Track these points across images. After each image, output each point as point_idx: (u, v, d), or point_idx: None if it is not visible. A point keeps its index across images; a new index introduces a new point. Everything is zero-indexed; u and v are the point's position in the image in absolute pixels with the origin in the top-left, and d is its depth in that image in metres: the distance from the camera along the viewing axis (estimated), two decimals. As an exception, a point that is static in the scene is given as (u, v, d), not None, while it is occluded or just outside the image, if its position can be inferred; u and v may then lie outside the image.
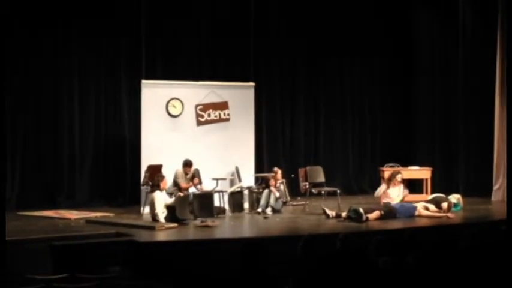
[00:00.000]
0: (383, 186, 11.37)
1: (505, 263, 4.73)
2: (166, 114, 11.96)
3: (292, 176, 12.76)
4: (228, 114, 12.30)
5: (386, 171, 12.48)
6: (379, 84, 14.96)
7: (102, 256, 7.95)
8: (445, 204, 10.96)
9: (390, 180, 11.26)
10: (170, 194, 10.68)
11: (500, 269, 4.71)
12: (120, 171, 12.70)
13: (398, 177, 11.25)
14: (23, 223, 10.07)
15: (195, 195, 10.89)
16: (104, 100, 12.83)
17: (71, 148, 12.50)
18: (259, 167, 12.89)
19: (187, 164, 11.28)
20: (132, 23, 12.73)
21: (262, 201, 11.38)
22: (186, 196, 10.64)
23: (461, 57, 13.76)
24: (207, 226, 9.92)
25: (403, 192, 11.21)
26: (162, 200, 10.29)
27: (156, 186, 10.42)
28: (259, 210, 11.30)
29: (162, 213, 10.15)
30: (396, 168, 12.31)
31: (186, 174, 11.32)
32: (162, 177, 10.61)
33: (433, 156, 14.19)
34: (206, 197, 10.99)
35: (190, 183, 11.30)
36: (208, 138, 12.13)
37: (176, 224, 9.93)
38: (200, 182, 11.48)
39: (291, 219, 10.99)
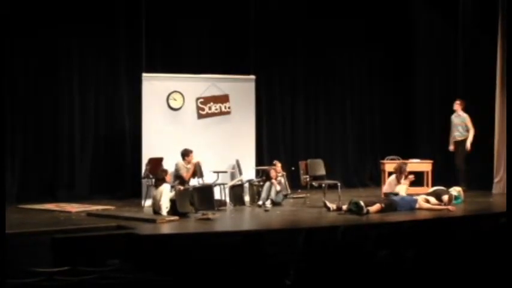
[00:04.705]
0: (393, 178, 11.46)
1: (504, 255, 4.73)
2: (166, 107, 11.96)
3: (293, 168, 12.76)
4: (229, 107, 12.30)
5: (388, 164, 12.49)
6: (379, 77, 14.96)
7: (103, 249, 7.96)
8: (445, 197, 10.97)
9: (401, 173, 11.34)
10: (172, 188, 10.70)
11: (500, 261, 4.72)
12: (120, 164, 12.71)
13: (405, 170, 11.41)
14: (23, 216, 10.08)
15: (195, 188, 10.89)
16: (104, 93, 12.83)
17: (71, 141, 12.51)
18: (259, 160, 12.90)
19: (186, 153, 11.27)
20: (132, 16, 12.70)
21: (263, 194, 11.38)
22: (186, 190, 10.64)
23: (461, 51, 13.79)
24: (208, 219, 9.93)
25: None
26: (169, 193, 10.29)
27: (162, 180, 10.40)
28: (260, 203, 11.31)
29: (165, 207, 10.15)
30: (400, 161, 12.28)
31: (188, 163, 11.31)
32: (166, 171, 10.62)
33: (434, 149, 14.20)
34: (206, 190, 10.99)
35: (190, 172, 11.29)
36: (209, 132, 12.13)
37: (177, 217, 9.94)
38: (201, 175, 11.50)
39: (291, 212, 10.99)
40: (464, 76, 13.80)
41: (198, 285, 5.58)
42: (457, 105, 13.06)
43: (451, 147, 13.10)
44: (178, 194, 10.35)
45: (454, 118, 13.09)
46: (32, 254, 7.73)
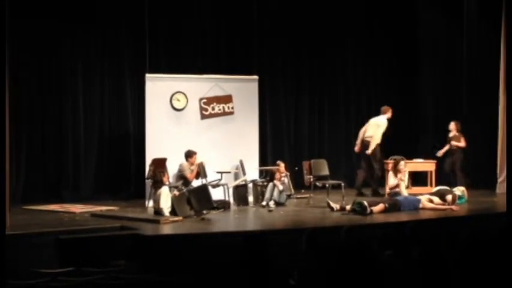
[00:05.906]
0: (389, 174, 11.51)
1: (507, 255, 4.73)
2: (170, 107, 11.98)
3: (296, 168, 12.76)
4: (232, 108, 12.32)
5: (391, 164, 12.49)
6: (383, 77, 14.96)
7: (107, 250, 7.98)
8: (449, 197, 10.97)
9: (395, 169, 11.41)
10: (175, 188, 10.70)
11: (503, 261, 4.71)
12: (124, 165, 12.73)
13: (400, 165, 11.39)
14: (28, 217, 10.09)
15: (190, 190, 10.79)
16: (108, 94, 12.86)
17: (75, 142, 12.53)
18: (263, 160, 12.90)
19: (190, 154, 11.30)
20: (136, 17, 12.73)
21: (267, 195, 11.39)
22: (182, 194, 10.57)
23: (465, 52, 13.80)
24: (207, 219, 9.92)
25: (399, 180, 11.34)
26: (168, 194, 10.28)
27: (159, 182, 10.38)
28: (264, 203, 11.32)
29: (167, 208, 10.15)
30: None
31: (191, 164, 11.34)
32: (163, 172, 10.60)
33: (438, 149, 14.17)
34: (201, 190, 10.94)
35: (194, 173, 11.31)
36: (212, 132, 12.15)
37: (181, 218, 9.94)
38: (205, 176, 11.50)
39: (295, 212, 11.00)
40: (468, 76, 13.78)
41: (202, 285, 5.59)
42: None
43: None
44: (175, 199, 10.28)
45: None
46: (37, 254, 7.75)
